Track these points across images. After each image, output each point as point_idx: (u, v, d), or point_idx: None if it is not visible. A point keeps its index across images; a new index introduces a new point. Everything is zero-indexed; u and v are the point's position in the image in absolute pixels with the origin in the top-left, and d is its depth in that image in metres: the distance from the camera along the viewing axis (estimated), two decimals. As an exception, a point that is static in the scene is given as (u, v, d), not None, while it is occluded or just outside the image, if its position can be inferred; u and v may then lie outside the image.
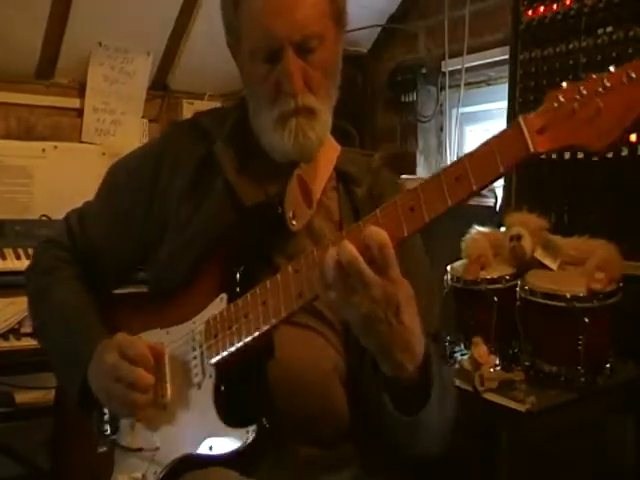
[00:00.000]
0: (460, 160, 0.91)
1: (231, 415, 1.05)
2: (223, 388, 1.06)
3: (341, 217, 1.22)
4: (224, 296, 1.09)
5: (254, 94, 1.18)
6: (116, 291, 1.34)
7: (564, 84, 0.90)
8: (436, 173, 0.93)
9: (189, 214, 1.20)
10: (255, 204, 1.18)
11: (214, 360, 1.07)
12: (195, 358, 1.09)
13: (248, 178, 1.21)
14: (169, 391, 1.11)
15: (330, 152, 1.25)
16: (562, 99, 0.88)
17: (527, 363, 1.70)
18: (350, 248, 0.88)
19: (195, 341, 1.10)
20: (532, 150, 0.87)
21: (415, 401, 0.99)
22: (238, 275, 1.10)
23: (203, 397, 1.07)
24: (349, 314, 0.91)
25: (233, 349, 1.04)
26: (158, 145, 1.29)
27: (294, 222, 1.13)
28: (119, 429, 1.17)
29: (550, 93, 0.89)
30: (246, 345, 1.03)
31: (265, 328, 1.01)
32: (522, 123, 0.88)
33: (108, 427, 1.18)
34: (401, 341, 0.92)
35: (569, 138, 0.87)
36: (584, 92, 0.87)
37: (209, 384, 1.07)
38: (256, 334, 1.02)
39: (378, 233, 0.88)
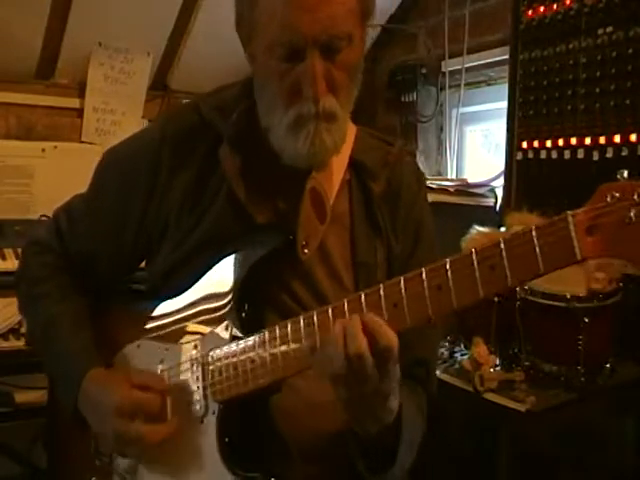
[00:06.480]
0: (496, 246, 0.84)
1: (234, 460, 1.01)
2: (227, 429, 1.03)
3: (352, 224, 1.14)
4: (229, 324, 1.05)
5: (266, 91, 1.06)
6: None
7: (619, 176, 0.80)
8: (467, 254, 0.85)
9: (190, 225, 1.12)
10: (265, 224, 1.09)
11: (218, 399, 1.03)
12: (198, 389, 1.05)
13: (255, 186, 1.11)
14: (170, 418, 1.07)
15: (346, 143, 1.14)
16: (616, 196, 0.78)
17: (527, 363, 1.70)
18: (359, 343, 0.86)
19: (197, 371, 1.06)
20: (579, 258, 0.80)
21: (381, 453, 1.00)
22: (246, 305, 1.05)
23: (205, 434, 1.03)
24: (339, 386, 0.91)
25: (238, 394, 1.01)
26: (156, 141, 1.16)
27: (306, 250, 1.07)
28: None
29: (603, 186, 0.80)
30: (252, 390, 1.00)
31: (274, 379, 0.98)
32: (570, 222, 0.80)
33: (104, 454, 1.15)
34: (375, 416, 0.94)
35: (622, 252, 0.79)
36: None
37: (212, 421, 1.03)
38: (264, 384, 0.98)
39: (388, 337, 0.87)
